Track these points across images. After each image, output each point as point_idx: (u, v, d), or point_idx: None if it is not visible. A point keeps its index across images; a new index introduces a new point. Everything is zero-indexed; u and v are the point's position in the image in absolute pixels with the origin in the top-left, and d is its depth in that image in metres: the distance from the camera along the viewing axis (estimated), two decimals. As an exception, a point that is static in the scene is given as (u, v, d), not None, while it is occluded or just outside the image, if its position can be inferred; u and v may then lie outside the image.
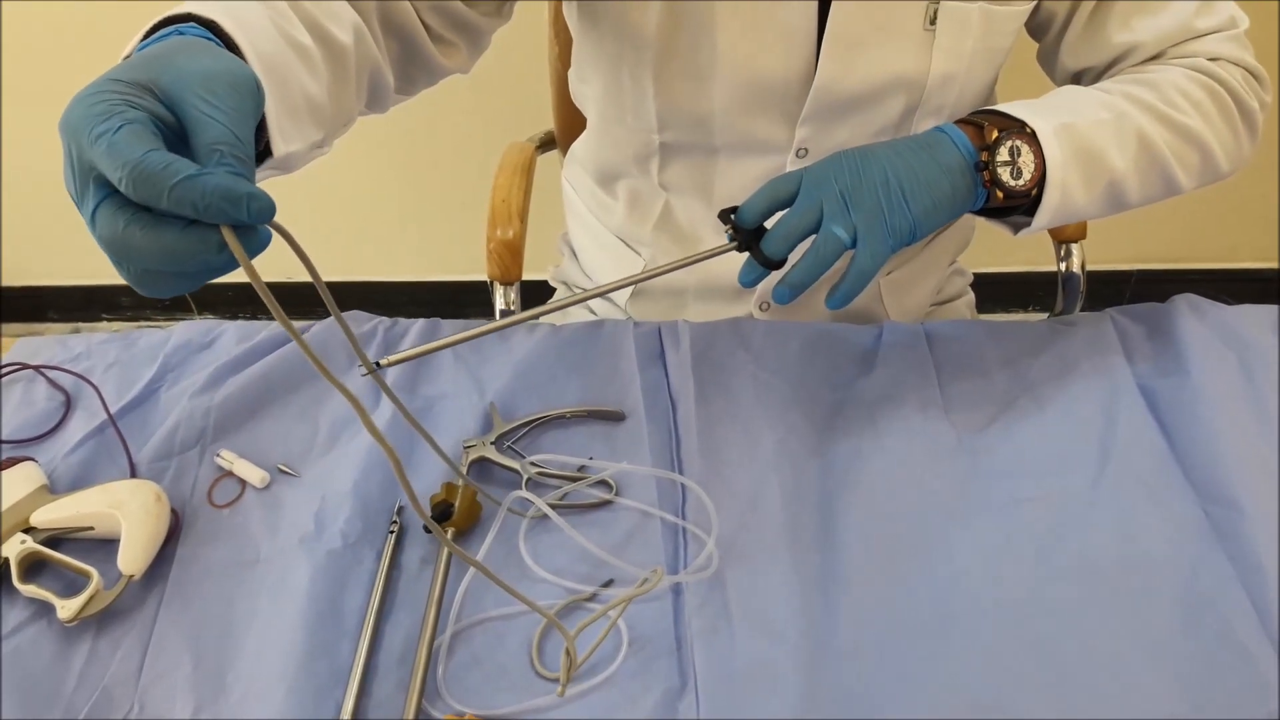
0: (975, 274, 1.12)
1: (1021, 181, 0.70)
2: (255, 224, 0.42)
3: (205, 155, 0.41)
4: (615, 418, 0.80)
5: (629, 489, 0.75)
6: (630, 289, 0.99)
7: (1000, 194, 0.70)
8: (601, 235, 1.00)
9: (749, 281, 0.72)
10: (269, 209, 0.41)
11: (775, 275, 0.72)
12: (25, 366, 0.87)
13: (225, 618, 0.69)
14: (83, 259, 2.11)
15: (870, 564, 0.69)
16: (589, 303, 1.06)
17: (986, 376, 0.82)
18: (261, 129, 0.52)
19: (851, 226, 0.68)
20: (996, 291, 2.11)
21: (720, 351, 0.84)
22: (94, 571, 0.70)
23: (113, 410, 0.83)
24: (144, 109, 0.41)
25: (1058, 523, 0.71)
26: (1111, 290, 2.12)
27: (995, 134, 0.70)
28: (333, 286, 1.92)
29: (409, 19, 0.72)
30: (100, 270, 2.20)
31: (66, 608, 0.68)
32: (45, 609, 0.70)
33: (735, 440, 0.77)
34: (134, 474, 0.78)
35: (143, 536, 0.71)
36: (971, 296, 1.11)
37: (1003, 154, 0.70)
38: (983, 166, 0.70)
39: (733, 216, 0.71)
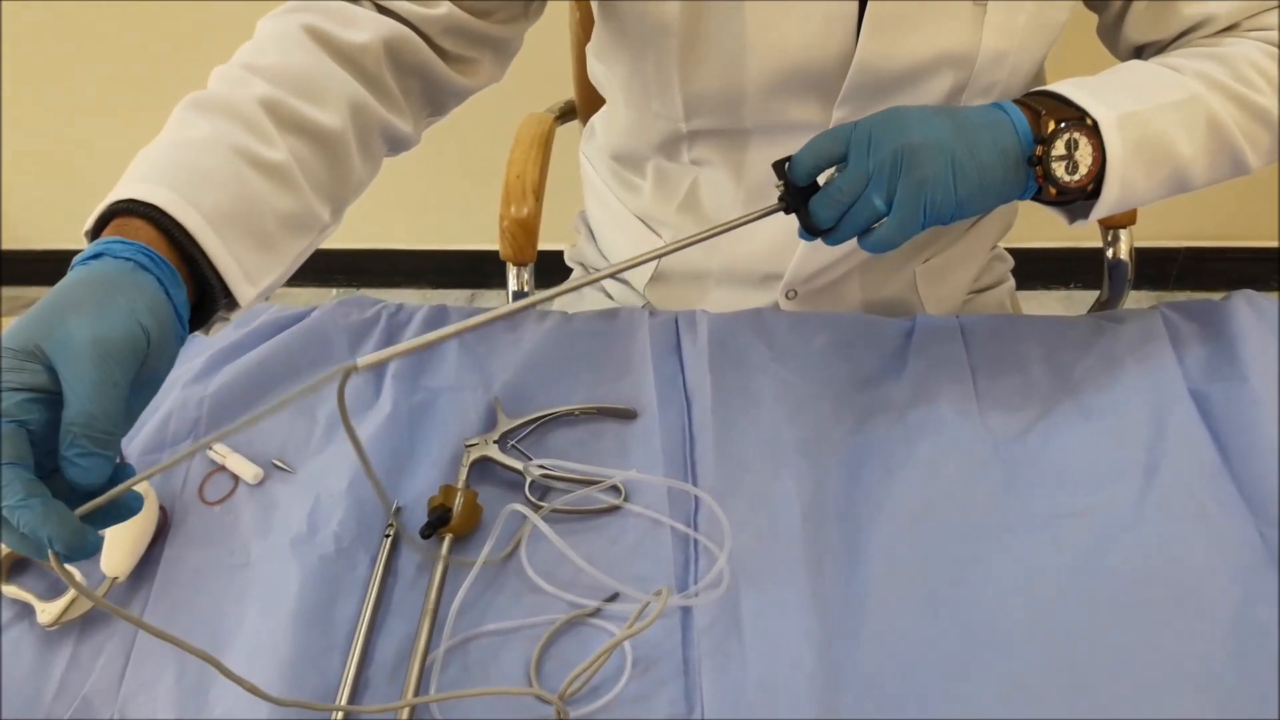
0: (1015, 249, 1.05)
1: (1077, 176, 0.65)
2: (62, 557, 0.46)
3: (64, 433, 0.45)
4: (626, 416, 0.75)
5: (639, 493, 0.71)
6: (650, 271, 0.94)
7: (1053, 190, 0.65)
8: (620, 215, 0.95)
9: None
10: (74, 550, 0.46)
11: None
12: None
13: (212, 625, 0.66)
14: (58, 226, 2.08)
15: (895, 585, 0.64)
16: (605, 286, 1.01)
17: (1026, 377, 0.76)
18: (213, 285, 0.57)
19: (891, 194, 0.63)
20: (1037, 269, 2.03)
21: (740, 345, 0.79)
22: (76, 572, 0.66)
23: (105, 397, 0.79)
24: (23, 388, 0.46)
25: (1099, 541, 0.66)
26: (1157, 269, 2.04)
27: (1052, 126, 0.64)
28: (358, 255, 1.90)
29: (420, 54, 0.70)
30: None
31: (47, 611, 0.66)
32: (27, 611, 0.67)
33: (753, 444, 0.72)
34: (123, 464, 0.74)
35: (128, 537, 0.68)
36: (1012, 283, 1.05)
37: (1059, 148, 0.64)
38: (1036, 161, 0.64)
39: (786, 168, 0.67)
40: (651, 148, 0.85)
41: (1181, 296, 2.05)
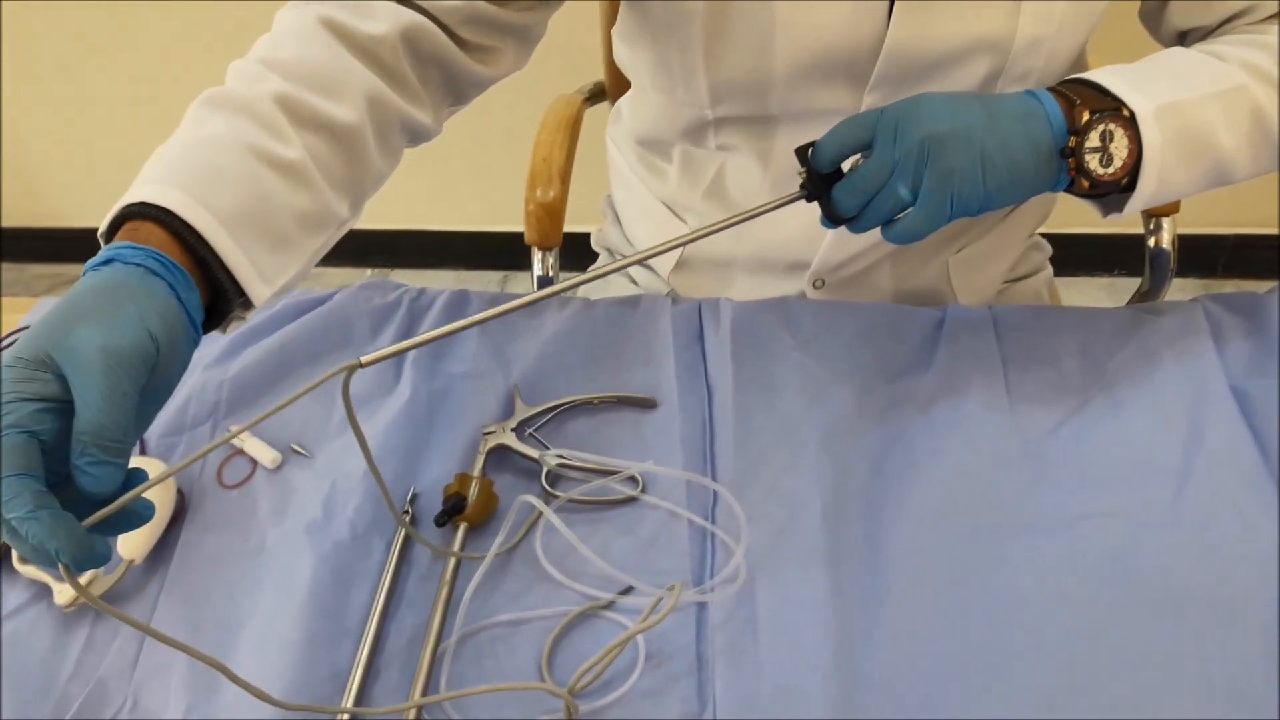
0: (1055, 235, 1.02)
1: (1111, 169, 0.62)
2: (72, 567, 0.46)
3: (75, 442, 0.45)
4: (646, 405, 0.74)
5: (656, 484, 0.69)
6: (675, 258, 0.92)
7: (1085, 183, 0.62)
8: (645, 199, 0.93)
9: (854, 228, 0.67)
10: (81, 563, 0.45)
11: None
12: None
13: (225, 610, 0.66)
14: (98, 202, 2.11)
15: (917, 584, 0.62)
16: (630, 272, 1.00)
17: (1059, 370, 0.74)
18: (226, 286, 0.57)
19: (917, 185, 0.61)
20: (1079, 255, 1.99)
21: (764, 335, 0.77)
22: (86, 576, 0.67)
23: (127, 379, 0.79)
24: (34, 398, 0.46)
25: (1130, 543, 0.63)
26: (1205, 257, 1.98)
27: (1087, 116, 0.61)
28: (394, 235, 1.90)
29: (439, 45, 0.69)
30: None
31: (63, 593, 0.66)
32: (45, 591, 0.67)
33: (774, 437, 0.71)
34: (143, 450, 0.75)
35: (145, 519, 0.68)
36: (1050, 272, 1.01)
37: (1093, 139, 0.61)
38: (1069, 153, 0.62)
39: (809, 155, 0.65)
40: (677, 133, 0.84)
41: (1229, 286, 2.01)
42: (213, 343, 0.82)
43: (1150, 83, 0.63)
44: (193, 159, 0.58)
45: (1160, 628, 0.60)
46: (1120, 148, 0.62)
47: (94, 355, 0.46)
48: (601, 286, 1.03)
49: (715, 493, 0.68)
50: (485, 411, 0.75)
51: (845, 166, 0.65)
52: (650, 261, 0.95)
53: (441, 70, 0.71)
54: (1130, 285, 1.05)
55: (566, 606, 0.64)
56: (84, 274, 0.52)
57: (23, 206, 2.21)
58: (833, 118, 0.67)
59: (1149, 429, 0.69)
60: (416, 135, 0.73)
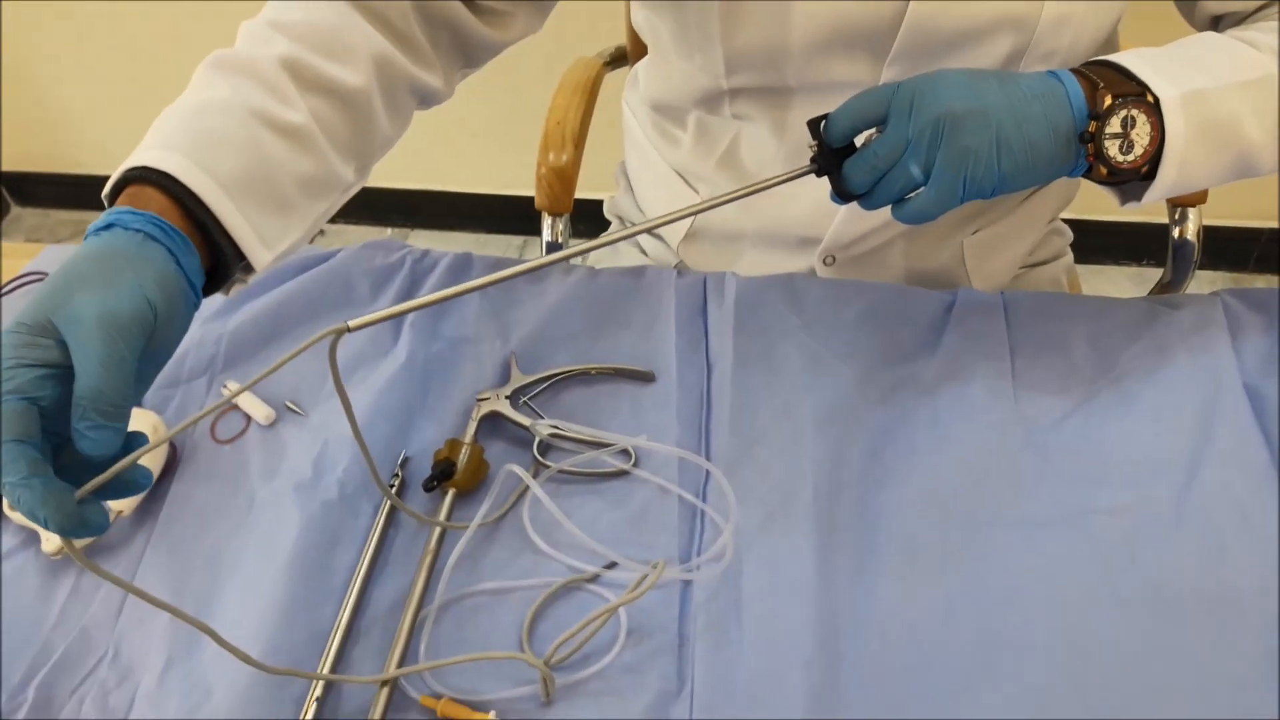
0: (1079, 221, 0.99)
1: (1131, 157, 0.60)
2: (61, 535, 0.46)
3: (75, 407, 0.46)
4: (644, 378, 0.73)
5: (649, 459, 0.68)
6: (685, 229, 0.91)
7: (1104, 169, 0.60)
8: (658, 166, 0.91)
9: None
10: (70, 531, 0.45)
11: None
12: (45, 276, 0.84)
13: (211, 565, 0.65)
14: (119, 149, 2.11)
15: (908, 575, 0.61)
16: (640, 242, 0.98)
17: (1068, 360, 0.72)
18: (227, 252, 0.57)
19: (930, 164, 0.59)
20: (1104, 243, 1.95)
21: (768, 312, 0.75)
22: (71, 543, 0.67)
23: (127, 329, 0.79)
24: (35, 364, 0.46)
25: (1133, 542, 0.62)
26: (1237, 250, 1.94)
27: (1109, 100, 0.59)
28: (414, 195, 1.89)
29: (450, 9, 0.68)
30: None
31: (50, 540, 0.66)
32: (34, 537, 0.67)
33: (772, 416, 0.69)
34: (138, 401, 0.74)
35: (134, 471, 0.68)
36: (1070, 259, 0.99)
37: (1114, 125, 0.59)
38: (1088, 138, 0.59)
39: (822, 128, 0.63)
40: (692, 100, 0.82)
41: (1260, 281, 1.96)
42: (213, 297, 0.81)
43: (1177, 68, 0.61)
44: (195, 123, 0.58)
45: (1158, 628, 0.58)
46: (1142, 135, 0.60)
47: (93, 322, 0.46)
48: (611, 256, 1.02)
49: (708, 470, 0.67)
50: (481, 378, 0.74)
51: (859, 141, 0.63)
52: (660, 231, 0.93)
53: (452, 33, 0.70)
54: (1158, 276, 1.02)
55: (551, 578, 0.63)
56: (85, 238, 0.53)
57: (46, 153, 2.22)
58: (849, 90, 0.65)
59: (1157, 425, 0.67)
60: (426, 98, 0.72)
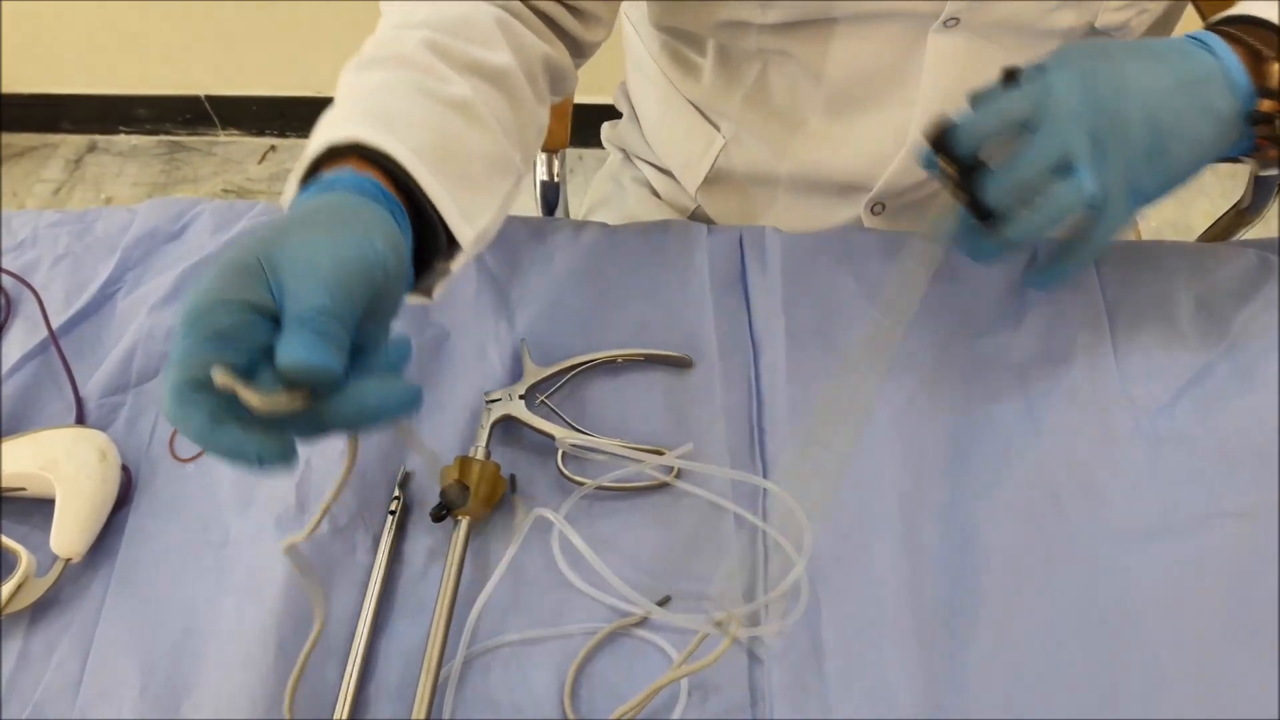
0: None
1: None
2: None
3: (286, 324, 0.38)
4: (680, 364, 0.62)
5: (693, 462, 0.58)
6: (706, 170, 0.77)
7: (1275, 152, 0.49)
8: (670, 98, 0.78)
9: (982, 255, 0.55)
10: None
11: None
12: (-46, 259, 0.71)
13: (185, 619, 0.55)
14: (99, 66, 1.92)
15: (1013, 605, 0.52)
16: (650, 181, 0.86)
17: (1173, 326, 0.62)
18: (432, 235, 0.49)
19: (1104, 182, 0.49)
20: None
21: (821, 279, 0.64)
22: (23, 551, 0.56)
23: (60, 321, 0.67)
24: (238, 300, 0.38)
25: (1262, 549, 0.53)
26: None
27: None
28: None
29: (549, 7, 0.61)
30: (118, 78, 2.01)
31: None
32: (-31, 593, 0.56)
33: (835, 410, 0.59)
34: (80, 412, 0.63)
35: (82, 509, 0.57)
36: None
37: None
38: (1261, 118, 0.49)
39: (942, 136, 0.52)
40: (709, 28, 0.69)
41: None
42: (160, 275, 0.69)
43: None
44: (368, 106, 0.50)
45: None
46: None
47: (317, 261, 0.39)
48: (617, 194, 0.89)
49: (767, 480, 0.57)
50: (487, 370, 0.63)
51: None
52: (677, 172, 0.81)
53: (552, 29, 0.63)
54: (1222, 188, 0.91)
55: (590, 623, 0.53)
56: (293, 203, 0.46)
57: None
58: (905, 20, 0.53)
59: (1285, 406, 0.57)
60: (557, 79, 0.64)
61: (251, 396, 0.37)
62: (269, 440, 0.38)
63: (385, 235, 0.42)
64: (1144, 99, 0.49)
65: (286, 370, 0.37)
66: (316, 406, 0.39)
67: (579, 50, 0.65)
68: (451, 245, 0.50)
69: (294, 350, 0.37)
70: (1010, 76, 0.52)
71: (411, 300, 0.51)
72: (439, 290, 0.52)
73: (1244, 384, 0.59)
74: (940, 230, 0.54)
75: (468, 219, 0.50)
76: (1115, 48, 0.51)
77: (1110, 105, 0.49)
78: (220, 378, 0.37)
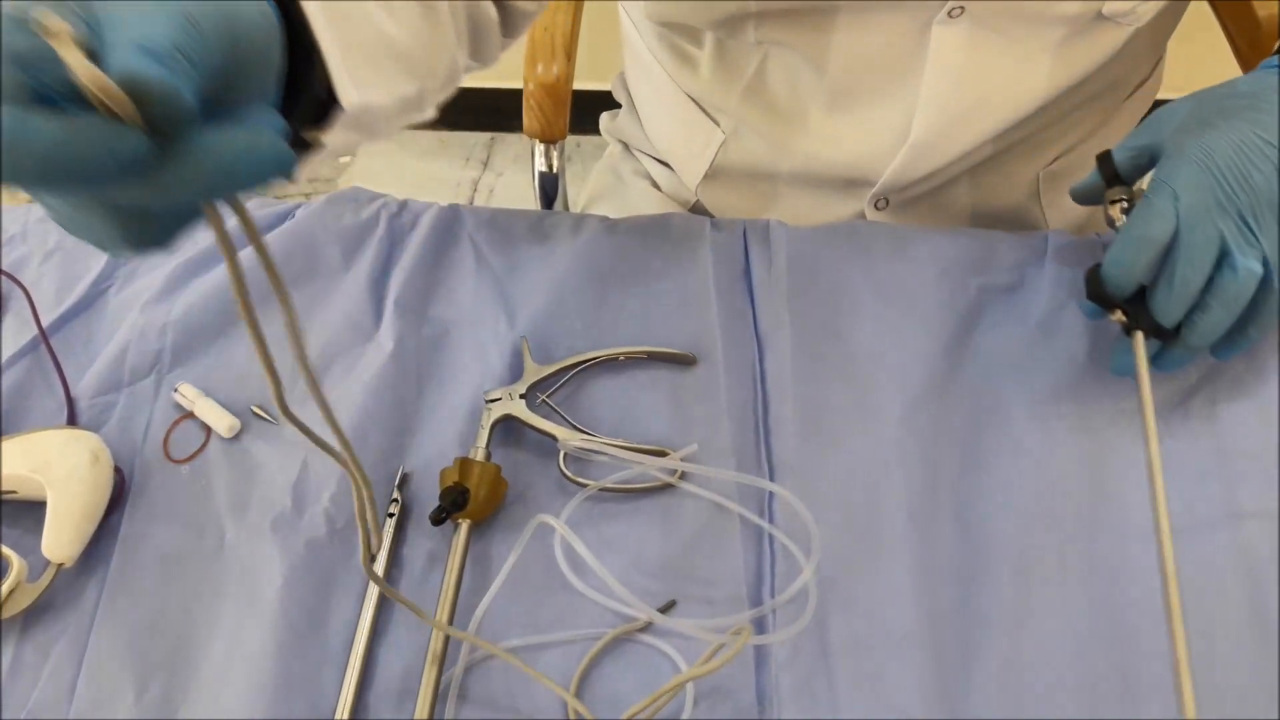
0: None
1: None
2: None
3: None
4: (683, 362, 0.61)
5: (698, 463, 0.57)
6: (706, 165, 0.76)
7: None
8: (669, 92, 0.77)
9: (1174, 365, 0.55)
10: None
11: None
12: (-58, 255, 0.69)
13: (181, 626, 0.54)
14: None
15: (1031, 609, 0.51)
16: (651, 174, 0.84)
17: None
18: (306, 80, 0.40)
19: (1264, 255, 0.49)
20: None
21: (829, 274, 0.63)
22: (14, 556, 0.55)
23: (51, 319, 0.66)
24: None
25: (1283, 551, 0.52)
26: None
27: None
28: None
29: None
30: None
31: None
32: (-42, 598, 0.55)
33: (844, 408, 0.58)
34: (71, 412, 0.61)
35: (73, 513, 0.55)
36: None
37: None
38: None
39: (1103, 283, 0.53)
40: (706, 22, 0.67)
41: None
42: (152, 273, 0.67)
43: None
44: None
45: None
46: None
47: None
48: (616, 186, 0.87)
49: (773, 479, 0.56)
50: (487, 368, 0.61)
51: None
52: (676, 167, 0.79)
53: None
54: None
55: (593, 629, 0.52)
56: None
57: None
58: (901, 10, 0.52)
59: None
60: (480, 37, 0.58)
61: (82, 67, 0.26)
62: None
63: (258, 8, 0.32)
64: (1264, 155, 0.48)
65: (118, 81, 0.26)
66: (165, 152, 0.28)
67: (508, 18, 0.60)
68: (325, 115, 0.42)
69: (125, 60, 0.26)
70: (1104, 162, 0.53)
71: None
72: (303, 168, 0.42)
73: (1257, 379, 0.58)
74: (1125, 364, 0.54)
75: (356, 81, 0.42)
76: (1211, 113, 0.51)
77: (1239, 178, 0.48)
78: (50, 22, 0.26)
